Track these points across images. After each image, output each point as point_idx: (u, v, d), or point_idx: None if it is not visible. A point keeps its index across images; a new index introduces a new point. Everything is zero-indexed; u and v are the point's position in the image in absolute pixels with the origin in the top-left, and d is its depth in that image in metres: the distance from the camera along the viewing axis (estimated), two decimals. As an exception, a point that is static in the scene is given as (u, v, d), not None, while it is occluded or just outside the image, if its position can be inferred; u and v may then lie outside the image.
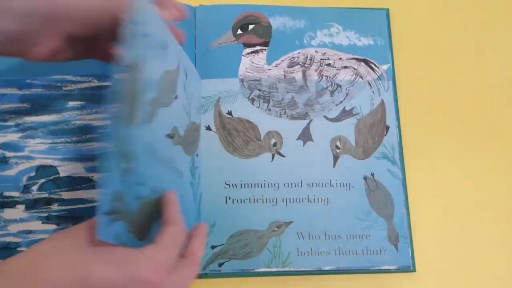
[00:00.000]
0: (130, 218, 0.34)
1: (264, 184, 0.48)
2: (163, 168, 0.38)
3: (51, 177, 0.46)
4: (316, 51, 0.52)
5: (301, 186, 0.48)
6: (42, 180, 0.45)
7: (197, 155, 0.47)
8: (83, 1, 0.34)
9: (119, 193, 0.33)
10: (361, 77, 0.52)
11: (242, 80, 0.50)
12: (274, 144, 0.49)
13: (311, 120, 0.50)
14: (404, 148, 0.51)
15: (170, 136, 0.39)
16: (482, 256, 0.49)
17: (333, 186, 0.48)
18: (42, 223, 0.45)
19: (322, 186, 0.48)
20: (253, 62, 0.51)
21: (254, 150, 0.48)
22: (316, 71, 0.51)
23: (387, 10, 0.55)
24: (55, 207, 0.45)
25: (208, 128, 0.49)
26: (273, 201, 0.47)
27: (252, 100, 0.50)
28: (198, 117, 0.48)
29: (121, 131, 0.32)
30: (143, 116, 0.33)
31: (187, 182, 0.44)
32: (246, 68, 0.51)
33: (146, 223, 0.37)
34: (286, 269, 0.46)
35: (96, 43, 0.38)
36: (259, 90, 0.50)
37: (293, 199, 0.47)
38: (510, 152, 0.52)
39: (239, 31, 0.51)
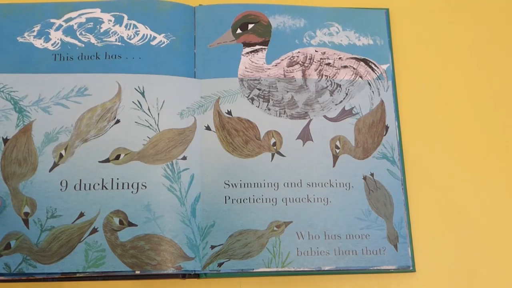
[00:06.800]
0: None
1: (264, 183, 0.47)
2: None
3: None
4: (315, 51, 0.52)
5: (301, 186, 0.48)
6: None
7: (184, 158, 0.47)
8: None
9: None
10: (360, 76, 0.51)
11: (241, 80, 0.50)
12: (274, 144, 0.49)
13: (310, 120, 0.50)
14: (404, 148, 0.51)
15: (107, 160, 0.46)
16: (482, 256, 0.49)
17: (333, 186, 0.48)
18: None
19: (322, 186, 0.48)
20: (252, 62, 0.51)
21: (254, 150, 0.48)
22: (315, 70, 0.51)
23: (387, 10, 0.55)
24: None
25: (208, 128, 0.49)
26: (272, 200, 0.47)
27: (252, 100, 0.50)
28: (191, 118, 0.48)
29: None
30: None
31: (156, 190, 0.46)
32: (246, 68, 0.50)
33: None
34: (286, 269, 0.46)
35: None
36: (259, 89, 0.50)
37: (292, 198, 0.47)
38: (510, 152, 0.52)
39: (239, 31, 0.51)
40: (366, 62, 0.52)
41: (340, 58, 0.52)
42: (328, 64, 0.51)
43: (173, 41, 0.50)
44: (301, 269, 0.46)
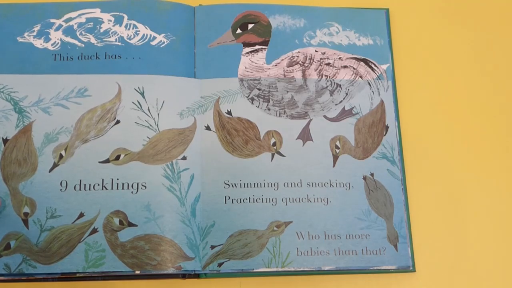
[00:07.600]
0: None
1: (264, 183, 0.47)
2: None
3: None
4: (315, 51, 0.52)
5: (301, 186, 0.48)
6: None
7: (184, 158, 0.47)
8: None
9: None
10: (360, 76, 0.51)
11: (241, 80, 0.50)
12: (274, 144, 0.49)
13: (310, 120, 0.50)
14: (404, 148, 0.51)
15: (107, 160, 0.46)
16: (482, 256, 0.49)
17: (333, 186, 0.48)
18: None
19: (322, 186, 0.48)
20: (252, 62, 0.51)
21: (254, 150, 0.48)
22: (315, 70, 0.51)
23: (387, 10, 0.55)
24: None
25: (208, 128, 0.49)
26: (272, 200, 0.47)
27: (252, 100, 0.50)
28: (190, 118, 0.48)
29: None
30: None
31: (156, 190, 0.46)
32: (246, 68, 0.50)
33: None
34: (286, 269, 0.46)
35: None
36: (259, 89, 0.50)
37: (292, 198, 0.47)
38: (510, 152, 0.52)
39: (239, 30, 0.51)
40: (366, 62, 0.52)
41: (340, 58, 0.52)
42: (328, 64, 0.51)
43: (173, 41, 0.50)
44: (301, 269, 0.46)
